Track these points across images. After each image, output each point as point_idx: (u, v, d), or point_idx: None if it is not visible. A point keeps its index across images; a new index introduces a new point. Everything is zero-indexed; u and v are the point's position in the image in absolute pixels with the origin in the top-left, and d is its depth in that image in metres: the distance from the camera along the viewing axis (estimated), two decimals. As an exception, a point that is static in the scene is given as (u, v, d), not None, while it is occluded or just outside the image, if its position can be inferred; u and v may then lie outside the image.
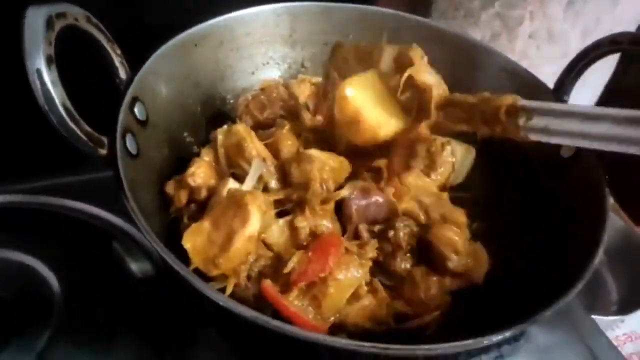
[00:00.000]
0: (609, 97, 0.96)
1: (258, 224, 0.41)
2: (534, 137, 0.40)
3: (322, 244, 0.42)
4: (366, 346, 0.31)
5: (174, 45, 0.50)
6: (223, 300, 0.33)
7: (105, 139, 0.39)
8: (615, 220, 0.91)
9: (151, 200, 0.44)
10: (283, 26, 0.60)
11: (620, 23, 0.86)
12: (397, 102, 0.46)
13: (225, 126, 0.50)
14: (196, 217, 0.45)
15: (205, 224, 0.41)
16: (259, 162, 0.46)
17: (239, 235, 0.40)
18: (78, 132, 0.36)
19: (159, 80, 0.49)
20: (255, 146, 0.48)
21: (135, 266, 0.56)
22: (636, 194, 1.04)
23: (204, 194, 0.46)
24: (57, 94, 0.34)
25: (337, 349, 0.32)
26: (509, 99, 0.41)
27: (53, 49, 0.35)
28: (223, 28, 0.55)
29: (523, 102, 0.40)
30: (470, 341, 0.33)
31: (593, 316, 0.74)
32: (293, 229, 0.44)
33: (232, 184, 0.45)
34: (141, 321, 0.50)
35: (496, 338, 0.34)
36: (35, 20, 0.34)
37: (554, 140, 0.39)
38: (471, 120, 0.44)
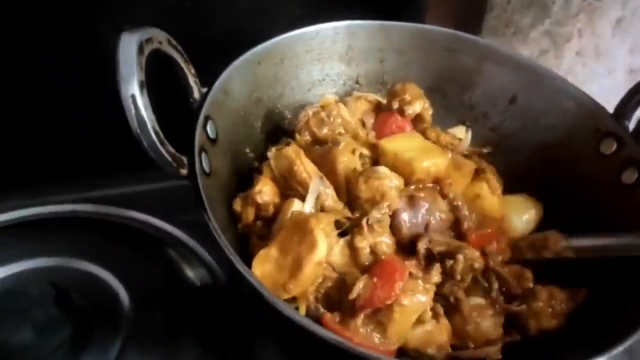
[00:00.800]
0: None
1: (325, 249, 0.42)
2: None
3: (387, 269, 0.43)
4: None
5: (240, 63, 0.52)
6: (307, 323, 0.34)
7: (185, 159, 0.40)
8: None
9: (222, 216, 0.46)
10: (341, 44, 0.61)
11: (669, 41, 0.85)
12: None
13: (274, 149, 0.50)
14: (264, 233, 0.47)
15: (273, 251, 0.42)
16: (317, 180, 0.47)
17: (308, 261, 0.41)
18: (165, 154, 0.37)
19: (226, 99, 0.50)
20: (305, 168, 0.48)
21: (193, 274, 0.58)
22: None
23: (271, 210, 0.47)
24: (149, 119, 0.36)
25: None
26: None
27: (144, 74, 0.36)
28: (285, 46, 0.57)
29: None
30: None
31: None
32: (353, 249, 0.45)
33: (297, 204, 0.46)
34: (204, 327, 0.51)
35: None
36: (129, 46, 0.36)
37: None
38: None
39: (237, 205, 0.48)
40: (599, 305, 0.45)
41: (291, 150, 0.49)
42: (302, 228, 0.42)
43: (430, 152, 0.51)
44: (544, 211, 0.53)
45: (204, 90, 0.47)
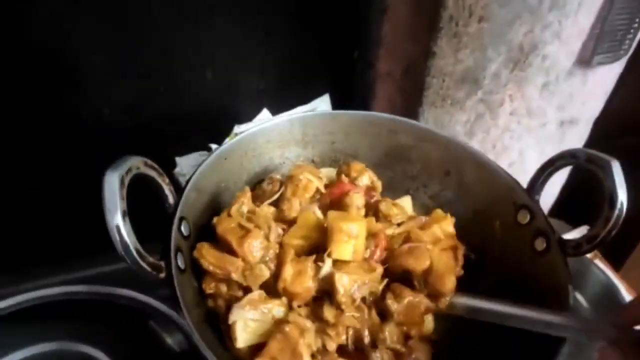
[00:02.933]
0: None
1: None
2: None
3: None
4: None
5: (209, 163, 0.60)
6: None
7: (162, 264, 0.48)
8: (597, 272, 1.01)
9: (193, 299, 0.53)
10: (297, 131, 0.70)
11: (590, 97, 0.96)
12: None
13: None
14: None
15: None
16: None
17: None
18: (146, 267, 0.45)
19: (197, 195, 0.58)
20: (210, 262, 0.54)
21: (172, 341, 0.65)
22: (614, 244, 1.14)
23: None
24: (131, 242, 0.44)
25: None
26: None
27: (125, 203, 0.44)
28: (248, 141, 0.65)
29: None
30: None
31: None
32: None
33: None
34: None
35: None
36: (112, 182, 0.43)
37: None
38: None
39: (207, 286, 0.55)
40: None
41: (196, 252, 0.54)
42: (291, 348, 0.49)
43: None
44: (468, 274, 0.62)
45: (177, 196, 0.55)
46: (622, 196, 0.52)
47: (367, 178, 0.68)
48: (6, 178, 0.74)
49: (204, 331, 0.50)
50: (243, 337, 0.51)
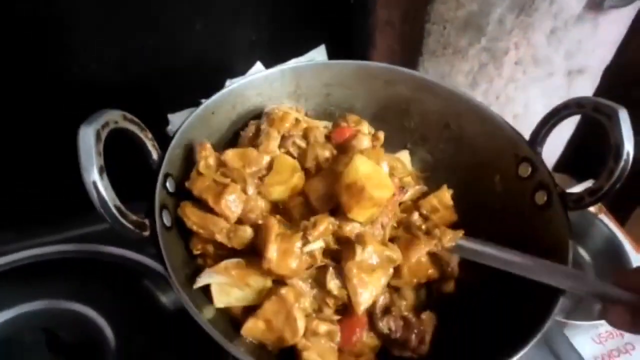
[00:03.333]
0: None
1: (304, 326, 0.49)
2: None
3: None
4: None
5: (195, 118, 0.57)
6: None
7: (146, 222, 0.47)
8: (601, 226, 0.99)
9: (181, 257, 0.52)
10: (289, 84, 0.67)
11: (600, 45, 0.91)
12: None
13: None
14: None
15: (260, 324, 0.48)
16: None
17: (293, 340, 0.48)
18: (127, 224, 0.44)
19: (183, 152, 0.56)
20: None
21: (166, 299, 0.65)
22: (619, 199, 1.11)
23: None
24: (110, 198, 0.42)
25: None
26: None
27: (102, 159, 0.42)
28: (236, 94, 0.62)
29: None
30: None
31: (577, 322, 0.83)
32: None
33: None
34: (180, 345, 0.59)
35: None
36: (87, 137, 0.41)
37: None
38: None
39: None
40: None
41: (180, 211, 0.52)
42: (286, 312, 0.48)
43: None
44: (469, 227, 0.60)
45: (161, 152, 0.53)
46: (629, 147, 0.49)
47: (366, 127, 0.65)
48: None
49: (191, 289, 0.49)
50: (220, 299, 0.50)
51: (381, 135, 0.65)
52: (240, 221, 0.53)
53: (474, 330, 0.52)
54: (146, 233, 0.46)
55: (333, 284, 0.49)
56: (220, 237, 0.51)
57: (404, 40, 0.81)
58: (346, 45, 0.87)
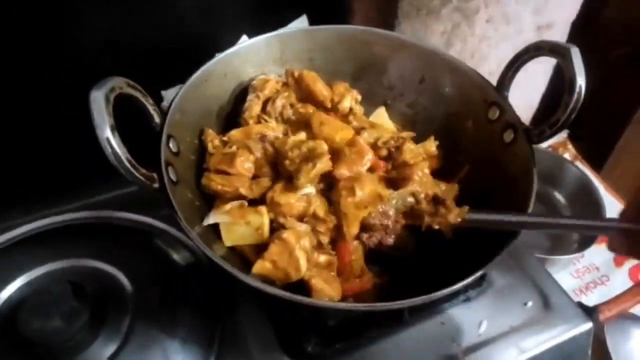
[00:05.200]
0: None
1: (306, 264, 0.55)
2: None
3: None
4: (359, 306, 0.46)
5: (190, 85, 0.62)
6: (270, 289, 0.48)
7: (155, 175, 0.52)
8: (575, 170, 1.06)
9: (190, 210, 0.58)
10: (275, 50, 0.72)
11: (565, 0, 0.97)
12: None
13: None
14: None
15: (267, 264, 0.54)
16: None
17: (297, 276, 0.55)
18: (139, 176, 0.49)
19: (182, 117, 0.61)
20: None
21: (178, 257, 0.71)
22: (594, 147, 1.18)
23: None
24: (122, 153, 0.47)
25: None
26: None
27: (112, 119, 0.48)
28: (225, 62, 0.67)
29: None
30: (446, 290, 0.47)
31: (556, 256, 0.90)
32: None
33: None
34: (193, 298, 0.65)
35: (464, 282, 0.48)
36: (97, 99, 0.47)
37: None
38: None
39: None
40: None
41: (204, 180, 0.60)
42: (289, 251, 0.54)
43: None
44: (447, 172, 0.67)
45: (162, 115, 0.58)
46: (581, 81, 0.55)
47: (348, 101, 0.70)
48: (7, 115, 0.76)
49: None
50: (228, 237, 0.57)
51: (358, 96, 0.71)
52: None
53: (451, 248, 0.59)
54: (156, 185, 0.52)
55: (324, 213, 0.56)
56: (243, 190, 0.59)
57: (380, 6, 0.87)
58: (326, 14, 0.91)
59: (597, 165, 1.19)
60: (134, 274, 0.64)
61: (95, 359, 0.55)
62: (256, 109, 0.66)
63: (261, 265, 0.55)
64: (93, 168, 0.69)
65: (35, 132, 0.76)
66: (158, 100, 0.89)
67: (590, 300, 0.92)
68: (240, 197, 0.60)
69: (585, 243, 0.95)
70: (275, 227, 0.58)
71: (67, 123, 0.77)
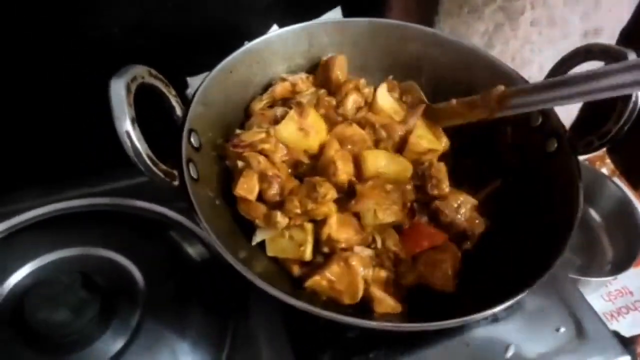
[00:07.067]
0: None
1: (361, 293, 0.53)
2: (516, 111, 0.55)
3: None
4: (388, 325, 0.43)
5: (214, 76, 0.59)
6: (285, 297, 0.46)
7: (175, 172, 0.50)
8: (613, 187, 0.99)
9: (210, 210, 0.55)
10: (302, 43, 0.68)
11: (616, 4, 0.91)
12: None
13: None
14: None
15: (324, 282, 0.52)
16: None
17: (348, 302, 0.53)
18: (159, 173, 0.46)
19: (205, 109, 0.58)
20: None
21: (192, 251, 0.68)
22: (634, 162, 1.11)
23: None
24: (142, 148, 0.44)
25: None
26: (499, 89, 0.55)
27: (133, 110, 0.45)
28: (253, 53, 0.64)
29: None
30: (479, 314, 0.44)
31: (590, 278, 0.85)
32: None
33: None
34: (205, 294, 0.62)
35: (499, 308, 0.45)
36: (117, 89, 0.44)
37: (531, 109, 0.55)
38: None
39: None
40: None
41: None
42: (350, 273, 0.53)
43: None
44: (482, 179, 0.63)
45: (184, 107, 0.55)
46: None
47: (350, 102, 0.65)
48: (30, 100, 0.75)
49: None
50: (271, 248, 0.56)
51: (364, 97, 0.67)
52: None
53: (494, 267, 0.55)
54: (175, 182, 0.49)
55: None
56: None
57: (420, 0, 0.82)
58: (362, 5, 0.87)
59: (636, 181, 1.13)
60: (147, 268, 0.61)
61: (100, 355, 0.53)
62: (260, 105, 0.64)
63: (317, 282, 0.52)
64: (111, 155, 0.68)
65: (56, 115, 0.75)
66: (182, 87, 0.87)
67: (621, 326, 0.87)
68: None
69: (620, 266, 0.89)
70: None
71: (90, 107, 0.75)
